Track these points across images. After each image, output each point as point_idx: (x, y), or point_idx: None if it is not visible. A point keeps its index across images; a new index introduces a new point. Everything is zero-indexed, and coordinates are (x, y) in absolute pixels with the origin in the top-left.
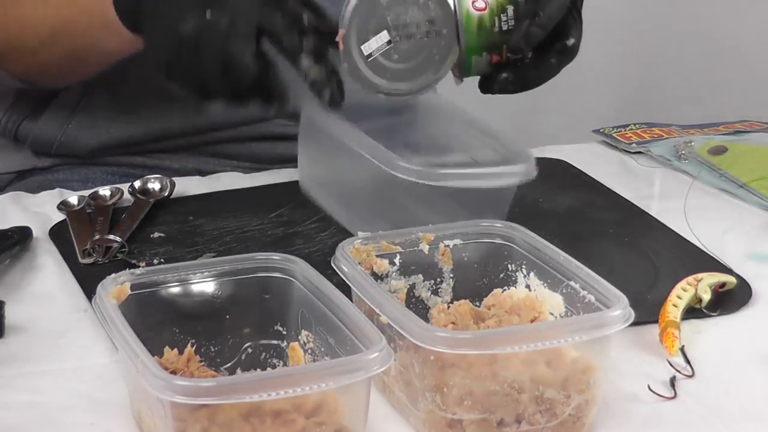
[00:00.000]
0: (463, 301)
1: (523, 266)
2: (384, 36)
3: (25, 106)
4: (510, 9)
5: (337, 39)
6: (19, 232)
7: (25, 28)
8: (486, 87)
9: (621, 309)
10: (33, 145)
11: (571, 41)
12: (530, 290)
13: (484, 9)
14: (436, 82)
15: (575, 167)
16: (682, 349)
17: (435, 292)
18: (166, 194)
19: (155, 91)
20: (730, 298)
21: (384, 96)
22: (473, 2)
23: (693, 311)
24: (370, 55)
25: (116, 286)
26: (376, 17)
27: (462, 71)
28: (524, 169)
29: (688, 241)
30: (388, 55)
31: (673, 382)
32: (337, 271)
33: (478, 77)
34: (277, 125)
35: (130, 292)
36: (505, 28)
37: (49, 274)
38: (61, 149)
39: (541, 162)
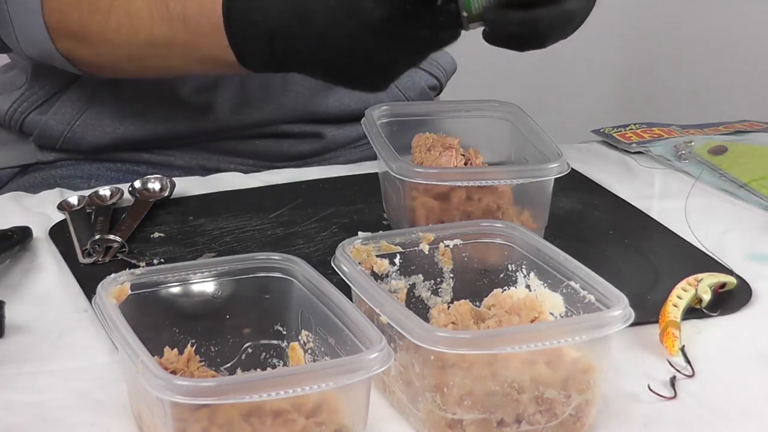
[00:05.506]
0: (463, 301)
1: (523, 266)
2: None
3: (34, 98)
4: None
5: None
6: (19, 232)
7: (116, 32)
8: (490, 35)
9: (621, 309)
10: (38, 138)
11: None
12: (530, 290)
13: None
14: None
15: (575, 167)
16: (682, 349)
17: (435, 292)
18: (166, 194)
19: (164, 94)
20: (730, 298)
21: None
22: None
23: (693, 311)
24: None
25: (116, 286)
26: None
27: (463, 7)
28: (558, 165)
29: (688, 241)
30: None
31: (673, 382)
32: (337, 271)
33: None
34: (281, 124)
35: (130, 292)
36: None
37: (49, 274)
38: (66, 145)
39: None
